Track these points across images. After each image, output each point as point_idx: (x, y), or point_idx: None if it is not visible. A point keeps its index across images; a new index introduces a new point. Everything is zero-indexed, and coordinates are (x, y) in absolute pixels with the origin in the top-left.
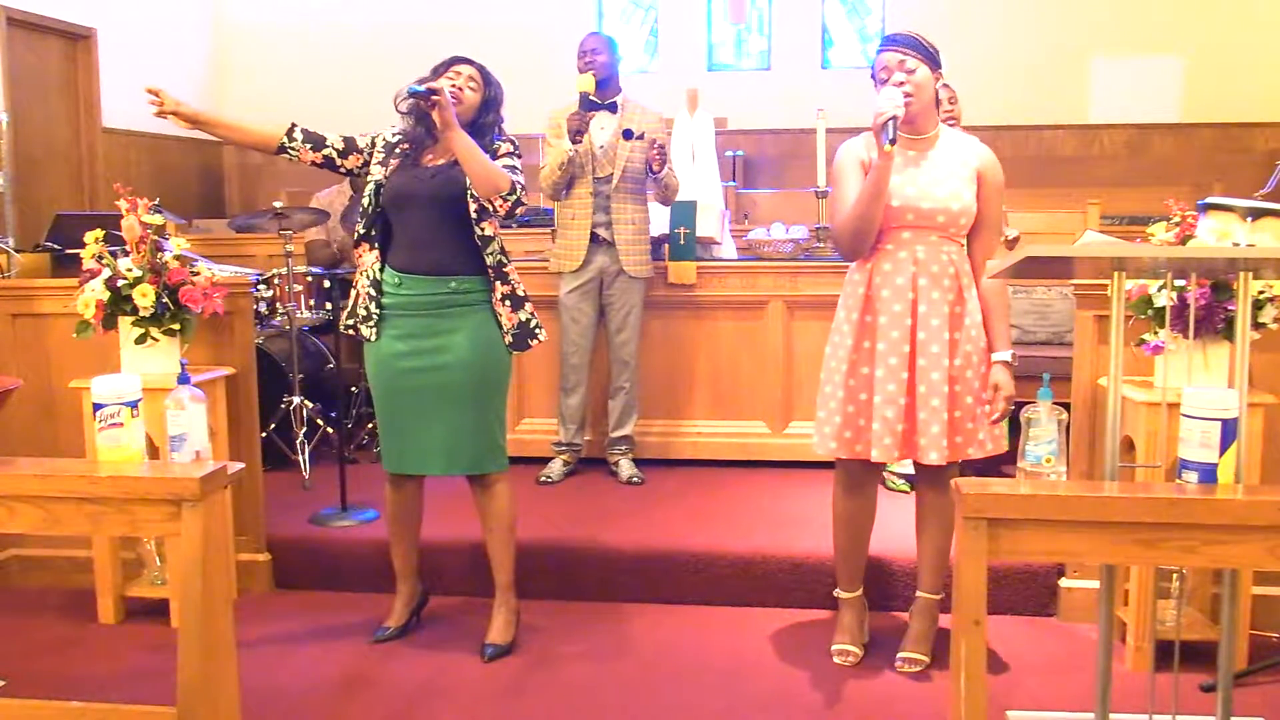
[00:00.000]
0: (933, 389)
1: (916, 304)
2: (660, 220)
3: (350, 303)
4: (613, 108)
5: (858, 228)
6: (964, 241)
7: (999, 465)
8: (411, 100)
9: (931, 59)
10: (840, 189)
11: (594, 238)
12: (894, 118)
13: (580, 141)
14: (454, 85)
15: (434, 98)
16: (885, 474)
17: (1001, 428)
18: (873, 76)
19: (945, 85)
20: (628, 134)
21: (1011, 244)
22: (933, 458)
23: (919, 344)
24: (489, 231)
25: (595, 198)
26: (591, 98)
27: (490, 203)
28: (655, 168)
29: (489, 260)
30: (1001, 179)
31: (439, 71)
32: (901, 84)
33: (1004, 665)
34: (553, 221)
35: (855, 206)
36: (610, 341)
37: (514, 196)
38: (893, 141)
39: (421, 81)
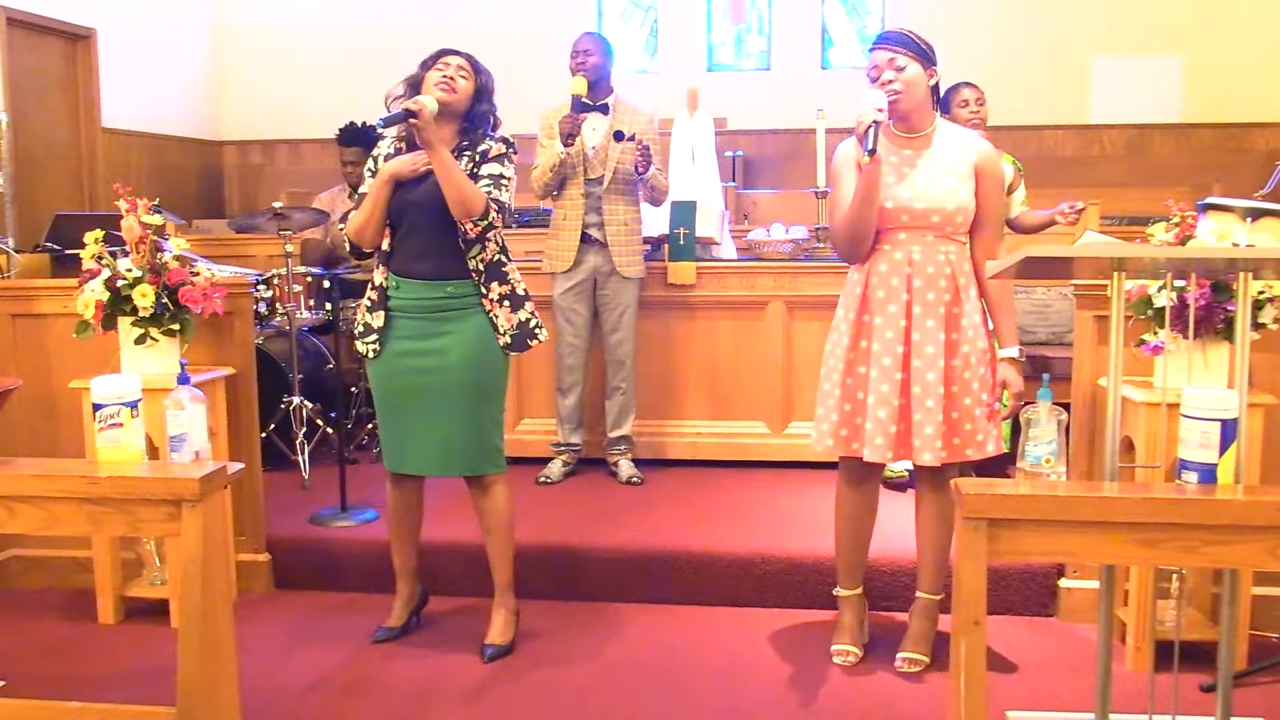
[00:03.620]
0: (927, 390)
1: (911, 305)
2: (656, 220)
3: (358, 316)
4: (604, 109)
5: (852, 233)
6: (965, 240)
7: (1003, 466)
8: (399, 123)
9: (923, 55)
10: (838, 191)
11: (586, 238)
12: (875, 124)
13: (572, 145)
14: (445, 75)
15: (412, 120)
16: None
17: (1002, 429)
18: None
19: (972, 86)
20: (619, 136)
21: (1077, 216)
22: (926, 459)
23: (914, 345)
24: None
25: (587, 198)
26: (584, 100)
27: (461, 224)
28: (640, 170)
29: (484, 262)
30: (1001, 174)
31: (427, 65)
32: (890, 82)
33: (1004, 665)
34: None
35: (847, 212)
36: (605, 342)
37: (484, 222)
38: (871, 152)
39: (408, 88)
